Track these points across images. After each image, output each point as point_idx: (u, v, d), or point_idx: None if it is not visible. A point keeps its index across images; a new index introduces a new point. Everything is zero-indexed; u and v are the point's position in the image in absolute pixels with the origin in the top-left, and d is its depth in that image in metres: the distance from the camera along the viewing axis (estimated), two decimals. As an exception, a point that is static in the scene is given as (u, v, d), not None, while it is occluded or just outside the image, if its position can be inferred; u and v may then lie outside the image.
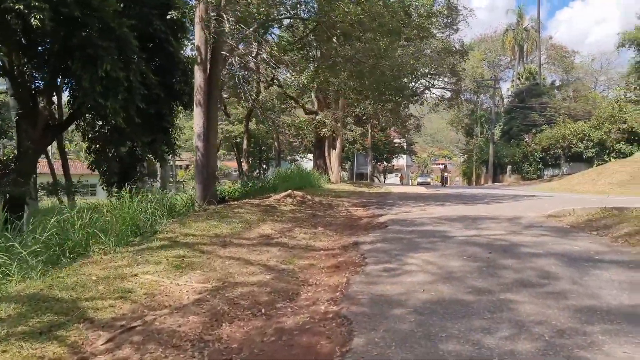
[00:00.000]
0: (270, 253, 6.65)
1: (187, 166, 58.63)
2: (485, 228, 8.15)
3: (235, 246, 6.93)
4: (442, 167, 61.17)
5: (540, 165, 42.05)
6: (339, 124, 27.62)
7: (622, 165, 26.79)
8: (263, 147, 50.69)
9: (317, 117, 27.60)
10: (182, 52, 16.14)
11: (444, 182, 50.09)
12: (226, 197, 12.34)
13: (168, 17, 11.61)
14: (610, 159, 35.11)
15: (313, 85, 23.02)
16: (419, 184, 54.21)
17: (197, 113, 11.55)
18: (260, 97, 29.22)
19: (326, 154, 29.72)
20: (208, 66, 11.90)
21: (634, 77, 27.04)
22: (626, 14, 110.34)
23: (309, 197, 13.18)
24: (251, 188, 15.96)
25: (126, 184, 9.91)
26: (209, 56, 12.02)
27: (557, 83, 56.78)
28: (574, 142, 37.93)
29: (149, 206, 8.34)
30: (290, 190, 13.34)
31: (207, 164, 11.65)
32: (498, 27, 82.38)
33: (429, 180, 54.34)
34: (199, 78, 11.54)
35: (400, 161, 73.12)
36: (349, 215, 11.17)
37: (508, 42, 66.65)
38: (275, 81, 27.68)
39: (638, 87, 26.10)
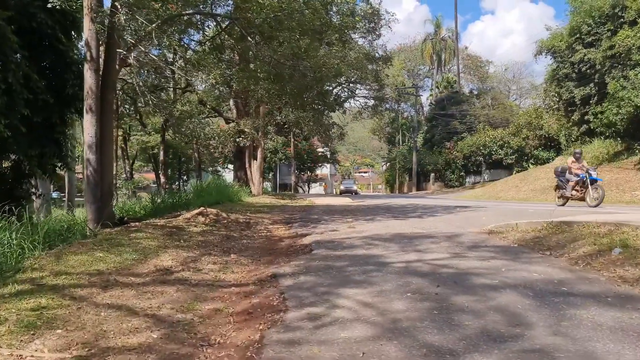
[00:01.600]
0: (165, 295, 5.27)
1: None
2: (425, 250, 7.19)
3: (121, 287, 5.48)
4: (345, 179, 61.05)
5: (462, 173, 42.86)
6: (259, 133, 26.34)
7: (543, 172, 27.43)
8: (183, 158, 48.45)
9: (235, 126, 26.18)
10: (75, 51, 14.28)
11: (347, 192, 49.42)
12: (125, 218, 10.71)
13: (49, 5, 9.90)
14: (529, 165, 36.21)
15: (232, 88, 21.65)
16: (342, 192, 47.94)
17: (88, 120, 9.90)
18: (176, 107, 27.43)
19: (247, 165, 28.32)
20: (101, 66, 10.30)
21: (550, 84, 27.80)
22: (529, 27, 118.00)
23: (224, 214, 11.81)
24: (159, 205, 14.30)
25: (7, 204, 8.13)
26: (102, 54, 10.43)
27: (475, 92, 58.63)
28: (494, 149, 38.86)
29: (13, 235, 6.67)
30: (202, 208, 11.92)
31: (101, 180, 10.00)
32: (416, 37, 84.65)
33: (354, 187, 49.08)
34: (89, 79, 9.92)
35: (324, 170, 72.86)
36: (268, 236, 9.91)
37: (427, 51, 68.42)
38: (190, 88, 26.02)
39: (555, 94, 26.80)
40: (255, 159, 27.60)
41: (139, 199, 23.02)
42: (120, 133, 31.84)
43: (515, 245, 7.34)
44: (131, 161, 43.61)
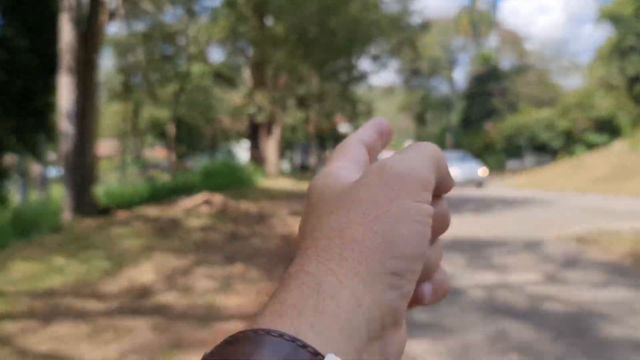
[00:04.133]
0: (133, 336, 3.71)
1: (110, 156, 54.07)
2: (504, 266, 5.52)
3: (73, 318, 3.94)
4: None
5: (503, 156, 40.68)
6: (277, 108, 24.64)
7: (599, 158, 25.29)
8: (197, 135, 47.25)
9: (250, 99, 24.52)
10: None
11: None
12: (110, 208, 9.19)
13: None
14: (577, 150, 33.94)
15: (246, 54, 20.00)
16: None
17: (65, 84, 8.34)
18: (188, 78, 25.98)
19: (263, 144, 26.67)
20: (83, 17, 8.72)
21: (612, 55, 25.50)
22: (567, 3, 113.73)
23: (232, 203, 10.23)
24: (159, 189, 12.78)
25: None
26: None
27: (517, 68, 56.05)
28: (538, 132, 36.60)
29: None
30: (207, 194, 10.35)
31: (81, 159, 8.47)
32: (451, 9, 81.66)
33: None
34: (67, 33, 8.34)
35: (347, 150, 70.92)
36: (285, 235, 8.30)
37: (462, 23, 65.67)
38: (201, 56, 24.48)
39: (617, 69, 24.54)
40: (272, 136, 25.96)
41: (146, 178, 21.72)
42: (130, 107, 30.51)
43: (629, 264, 5.60)
44: (142, 138, 42.48)
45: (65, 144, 8.30)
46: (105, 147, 57.50)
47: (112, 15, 9.39)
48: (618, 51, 24.92)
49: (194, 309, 4.39)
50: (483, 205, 12.26)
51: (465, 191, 21.35)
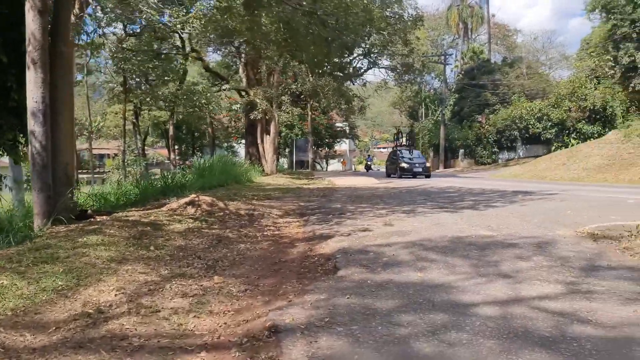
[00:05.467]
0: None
1: (115, 155, 53.12)
2: (515, 274, 4.66)
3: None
4: (368, 155, 55.62)
5: (495, 149, 39.82)
6: (272, 105, 23.74)
7: (595, 147, 24.46)
8: (196, 134, 46.42)
9: (245, 97, 23.61)
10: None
11: (367, 168, 45.68)
12: (89, 211, 8.30)
13: None
14: (570, 140, 33.11)
15: (240, 52, 19.20)
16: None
17: (32, 79, 7.40)
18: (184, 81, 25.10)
19: (259, 141, 25.79)
20: (50, 5, 7.84)
21: (605, 45, 24.59)
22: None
23: (221, 203, 9.35)
24: (147, 189, 11.89)
25: None
26: None
27: (508, 60, 55.16)
28: (531, 123, 35.71)
29: None
30: (195, 195, 9.47)
31: (52, 160, 7.56)
32: (440, 5, 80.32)
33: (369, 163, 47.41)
34: (32, 23, 7.40)
35: (343, 146, 70.31)
36: (276, 237, 7.42)
37: (452, 18, 64.69)
38: (195, 54, 23.60)
39: (611, 58, 23.65)
40: (268, 133, 25.07)
41: (147, 177, 20.85)
42: (131, 108, 29.65)
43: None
44: (143, 137, 41.59)
45: (34, 144, 7.41)
46: (110, 146, 56.64)
47: (83, 4, 8.47)
48: (612, 41, 24.02)
49: (157, 338, 3.52)
50: (480, 199, 11.40)
51: (451, 181, 20.52)
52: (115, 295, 4.27)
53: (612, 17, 24.06)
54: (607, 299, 3.88)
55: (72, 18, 8.23)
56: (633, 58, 22.66)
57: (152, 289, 4.50)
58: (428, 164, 27.23)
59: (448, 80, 58.84)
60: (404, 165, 26.02)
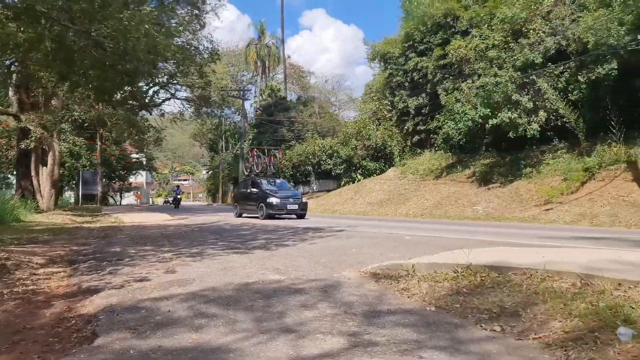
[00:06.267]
0: None
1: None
2: (299, 327, 4.25)
3: None
4: (176, 186, 48.82)
5: (292, 182, 41.17)
6: (50, 133, 21.03)
7: (377, 183, 26.51)
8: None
9: (17, 123, 20.56)
10: None
11: (176, 203, 36.99)
12: None
13: None
14: (357, 176, 35.65)
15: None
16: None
17: None
18: None
19: (33, 173, 22.56)
20: None
21: (384, 91, 27.14)
22: (342, 46, 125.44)
23: (-40, 253, 7.49)
24: None
25: None
26: None
27: (303, 98, 58.23)
28: (323, 159, 37.73)
29: None
30: None
31: None
32: (239, 42, 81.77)
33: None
34: None
35: (139, 178, 66.55)
36: (28, 296, 6.03)
37: (251, 56, 66.48)
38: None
39: (389, 103, 26.12)
40: (45, 165, 22.10)
41: None
42: None
43: (433, 309, 4.76)
44: None
45: None
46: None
47: None
48: (389, 87, 26.61)
49: None
50: (273, 237, 11.15)
51: (255, 221, 20.21)
52: None
53: (389, 67, 26.75)
54: (386, 351, 3.63)
55: None
56: (406, 104, 25.33)
57: None
58: (305, 200, 20.70)
59: (248, 115, 59.79)
60: (273, 200, 19.03)
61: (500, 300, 4.61)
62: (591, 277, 4.53)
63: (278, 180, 22.28)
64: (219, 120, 56.95)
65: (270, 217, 18.85)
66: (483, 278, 5.31)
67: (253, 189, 20.45)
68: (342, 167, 37.23)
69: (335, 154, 37.31)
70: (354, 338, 3.96)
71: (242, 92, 47.48)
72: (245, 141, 45.73)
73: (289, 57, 74.09)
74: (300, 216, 19.33)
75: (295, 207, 19.15)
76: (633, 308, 3.97)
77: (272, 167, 23.83)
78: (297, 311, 4.74)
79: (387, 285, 5.75)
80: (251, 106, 64.66)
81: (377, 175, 32.82)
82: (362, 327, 4.23)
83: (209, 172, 69.66)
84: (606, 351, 3.38)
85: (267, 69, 67.78)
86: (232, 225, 15.20)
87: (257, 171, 23.36)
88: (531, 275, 4.97)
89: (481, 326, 4.19)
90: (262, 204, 19.31)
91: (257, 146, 34.30)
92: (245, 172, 25.15)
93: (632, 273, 4.64)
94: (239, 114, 56.68)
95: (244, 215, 20.78)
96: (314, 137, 40.76)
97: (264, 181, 21.15)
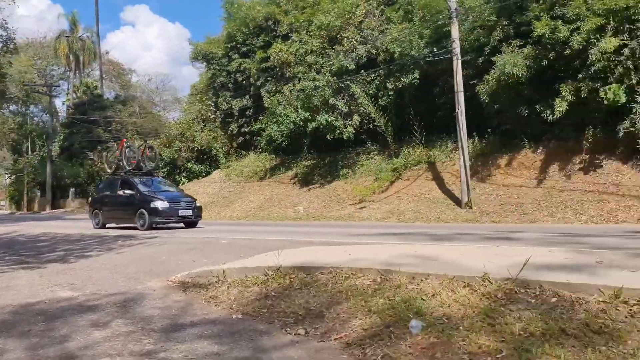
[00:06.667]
0: None
1: None
2: (83, 349, 3.77)
3: None
4: None
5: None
6: None
7: (202, 186, 25.78)
8: None
9: None
10: None
11: None
12: None
13: None
14: (181, 179, 34.35)
15: None
16: None
17: None
18: None
19: None
20: None
21: (207, 92, 26.54)
22: (168, 44, 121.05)
23: None
24: None
25: None
26: None
27: (121, 97, 54.53)
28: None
29: None
30: None
31: None
32: (48, 33, 73.48)
33: None
34: None
35: None
36: None
37: (62, 49, 60.32)
38: None
39: (212, 104, 25.59)
40: None
41: None
42: None
43: (240, 317, 4.56)
44: None
45: None
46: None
47: None
48: (213, 88, 26.08)
49: None
50: (75, 248, 10.01)
51: (52, 225, 18.02)
52: None
53: (212, 67, 26.22)
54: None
55: None
56: (230, 105, 25.07)
57: None
58: (199, 203, 16.80)
59: (59, 114, 54.23)
60: (160, 205, 15.15)
61: (307, 302, 4.58)
62: (390, 273, 4.72)
63: (157, 179, 18.11)
64: (23, 118, 50.82)
65: (153, 226, 15.04)
66: (292, 280, 5.25)
67: (126, 191, 16.04)
68: (166, 169, 35.61)
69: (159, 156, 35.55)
70: (147, 358, 3.57)
71: (50, 87, 42.92)
72: (54, 142, 41.42)
73: (107, 52, 68.77)
74: (192, 224, 15.86)
75: (189, 212, 15.55)
76: (424, 300, 4.19)
77: (148, 163, 18.82)
78: (84, 332, 4.18)
79: (195, 294, 5.43)
80: (63, 104, 58.88)
81: (202, 178, 31.97)
82: (158, 345, 3.85)
83: (12, 177, 61.87)
84: (399, 345, 3.48)
85: (81, 64, 62.18)
86: (29, 237, 13.43)
87: (129, 168, 18.05)
88: (337, 273, 5.03)
89: (286, 330, 4.09)
90: (142, 210, 15.20)
91: (68, 148, 31.12)
92: (109, 170, 20.04)
93: (424, 266, 4.94)
94: (47, 112, 51.20)
95: (108, 225, 16.78)
96: (134, 137, 38.40)
97: (138, 180, 16.73)
